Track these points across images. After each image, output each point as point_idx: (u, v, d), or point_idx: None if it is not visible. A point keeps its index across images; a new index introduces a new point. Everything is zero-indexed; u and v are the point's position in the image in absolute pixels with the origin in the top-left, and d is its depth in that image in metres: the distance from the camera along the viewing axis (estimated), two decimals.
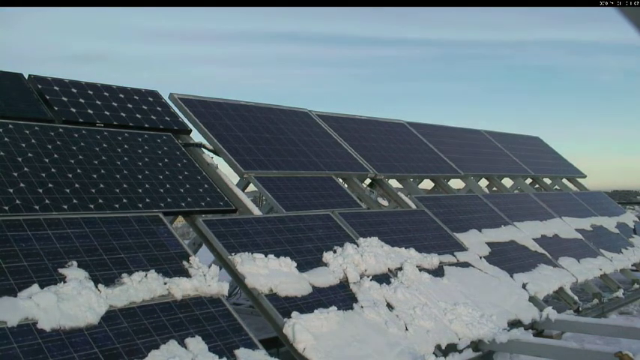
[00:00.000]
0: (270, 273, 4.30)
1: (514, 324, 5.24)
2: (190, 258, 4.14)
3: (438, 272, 5.52)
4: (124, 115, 5.39)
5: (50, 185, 4.19)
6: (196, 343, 3.47)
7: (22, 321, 3.12)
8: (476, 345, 4.77)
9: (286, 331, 3.86)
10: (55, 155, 4.49)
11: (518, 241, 7.21)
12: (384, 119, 8.76)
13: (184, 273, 3.99)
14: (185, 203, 4.76)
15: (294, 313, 4.02)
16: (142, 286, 3.67)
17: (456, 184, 9.05)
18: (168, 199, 4.69)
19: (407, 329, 4.43)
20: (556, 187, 11.08)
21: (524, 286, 6.06)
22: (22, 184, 4.06)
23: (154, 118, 5.59)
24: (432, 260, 5.59)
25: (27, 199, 3.97)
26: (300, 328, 3.83)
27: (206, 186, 5.10)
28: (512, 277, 6.13)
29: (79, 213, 4.09)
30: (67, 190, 4.23)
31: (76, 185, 4.32)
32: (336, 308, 4.25)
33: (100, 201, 4.31)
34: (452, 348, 4.59)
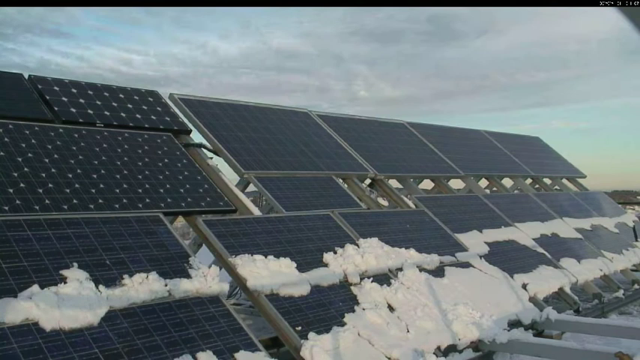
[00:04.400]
0: (270, 274, 4.30)
1: (514, 324, 5.23)
2: (190, 258, 4.14)
3: (438, 272, 5.51)
4: (124, 115, 5.39)
5: (50, 185, 4.19)
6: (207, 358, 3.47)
7: (22, 321, 3.12)
8: (476, 345, 4.77)
9: (304, 354, 3.81)
10: (55, 155, 4.49)
11: (518, 241, 7.21)
12: (384, 119, 8.76)
13: (184, 273, 3.99)
14: (185, 203, 4.76)
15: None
16: (142, 288, 3.66)
17: (456, 184, 9.05)
18: (168, 199, 4.69)
19: (408, 330, 4.42)
20: (556, 187, 11.08)
21: (524, 287, 6.05)
22: (22, 184, 4.06)
23: (154, 118, 5.59)
24: (433, 260, 5.59)
25: (27, 199, 3.97)
26: (319, 351, 3.79)
27: (206, 186, 5.10)
28: (512, 277, 6.12)
29: (79, 213, 4.09)
30: (67, 190, 4.23)
31: (76, 185, 4.32)
32: (351, 327, 4.20)
33: (100, 201, 4.31)
34: (452, 348, 4.59)
